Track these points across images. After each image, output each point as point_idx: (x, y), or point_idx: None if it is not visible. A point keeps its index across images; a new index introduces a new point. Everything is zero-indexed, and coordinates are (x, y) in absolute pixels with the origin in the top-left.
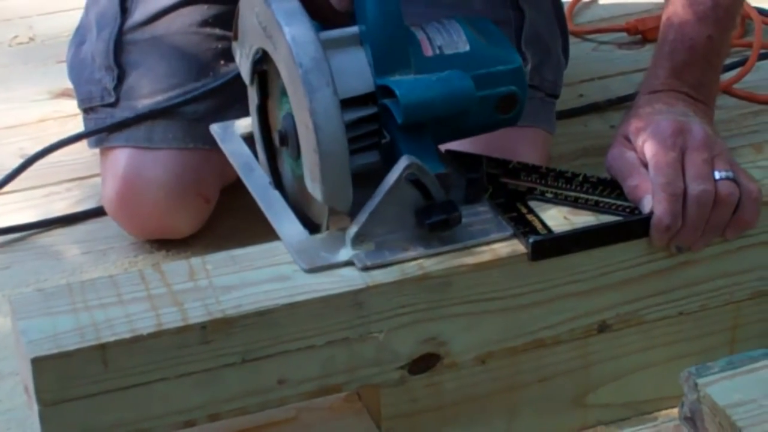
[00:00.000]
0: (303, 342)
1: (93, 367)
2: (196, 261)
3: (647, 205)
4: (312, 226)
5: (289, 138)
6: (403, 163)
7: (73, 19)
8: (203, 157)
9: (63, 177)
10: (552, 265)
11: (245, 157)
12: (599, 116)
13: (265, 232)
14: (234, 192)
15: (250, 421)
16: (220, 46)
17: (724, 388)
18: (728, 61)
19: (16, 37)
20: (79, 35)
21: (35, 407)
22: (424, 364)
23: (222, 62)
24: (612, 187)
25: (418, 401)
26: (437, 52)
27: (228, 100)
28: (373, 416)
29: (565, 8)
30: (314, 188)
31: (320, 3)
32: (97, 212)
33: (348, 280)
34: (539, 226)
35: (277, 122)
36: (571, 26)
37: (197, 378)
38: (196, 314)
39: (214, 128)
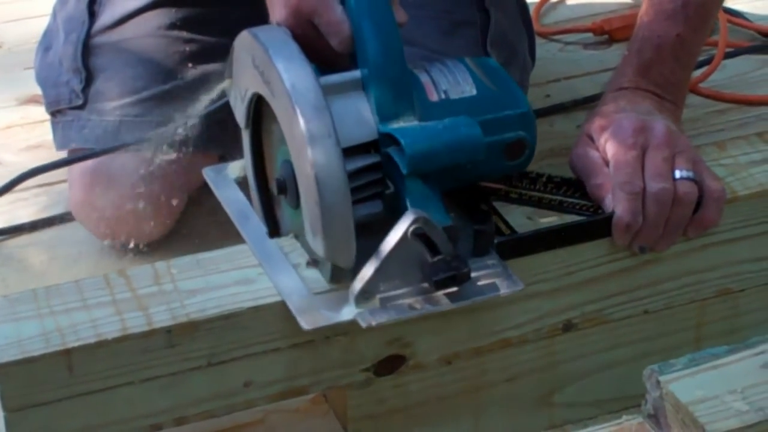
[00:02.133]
0: (268, 345)
1: (58, 373)
2: (161, 265)
3: (609, 204)
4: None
5: (288, 187)
6: (409, 217)
7: (41, 25)
8: (171, 159)
9: (30, 183)
10: (516, 266)
11: (240, 204)
12: (565, 116)
13: (232, 235)
14: (201, 195)
15: (216, 424)
16: (187, 48)
17: (687, 384)
18: None
19: None
20: (47, 40)
21: (1, 413)
22: (389, 365)
23: (190, 65)
24: (576, 187)
25: (385, 402)
26: (442, 96)
27: (196, 101)
28: (340, 418)
29: (532, 9)
30: (315, 243)
31: (319, 45)
32: (65, 218)
33: (311, 282)
34: (503, 227)
35: (275, 168)
36: (537, 27)
37: (163, 382)
38: (161, 318)
39: (207, 172)
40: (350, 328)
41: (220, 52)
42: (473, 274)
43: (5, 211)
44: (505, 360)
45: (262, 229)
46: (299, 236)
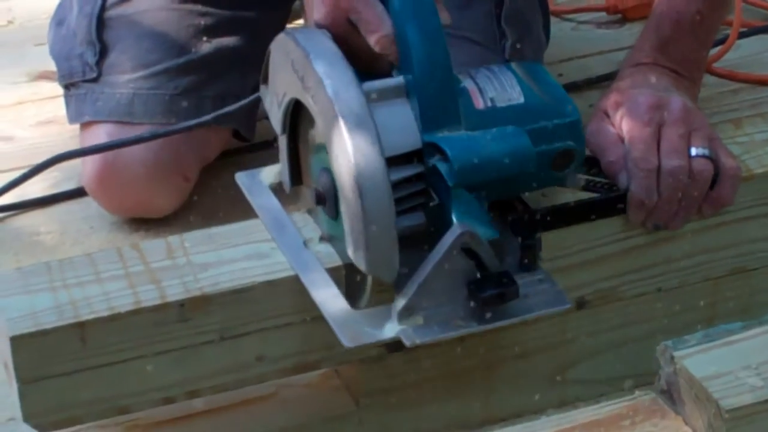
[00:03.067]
0: (281, 319)
1: (71, 345)
2: (174, 239)
3: (624, 181)
4: (351, 290)
5: (327, 197)
6: (455, 231)
7: (52, 2)
8: (184, 134)
9: (42, 159)
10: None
11: (275, 212)
12: (578, 95)
13: (244, 211)
14: (213, 171)
15: (228, 397)
16: (201, 22)
17: (701, 360)
18: None
19: None
20: (60, 13)
21: (14, 384)
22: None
23: (204, 38)
24: (591, 163)
25: (396, 378)
26: (489, 104)
27: (209, 75)
28: (351, 393)
29: None
30: (357, 257)
31: (357, 44)
32: (77, 193)
33: (325, 257)
34: (517, 204)
35: (312, 176)
36: (551, 5)
37: (175, 355)
38: (174, 292)
39: (240, 177)
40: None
41: (234, 26)
42: (521, 290)
43: (17, 186)
44: (517, 337)
45: (299, 239)
46: (334, 241)
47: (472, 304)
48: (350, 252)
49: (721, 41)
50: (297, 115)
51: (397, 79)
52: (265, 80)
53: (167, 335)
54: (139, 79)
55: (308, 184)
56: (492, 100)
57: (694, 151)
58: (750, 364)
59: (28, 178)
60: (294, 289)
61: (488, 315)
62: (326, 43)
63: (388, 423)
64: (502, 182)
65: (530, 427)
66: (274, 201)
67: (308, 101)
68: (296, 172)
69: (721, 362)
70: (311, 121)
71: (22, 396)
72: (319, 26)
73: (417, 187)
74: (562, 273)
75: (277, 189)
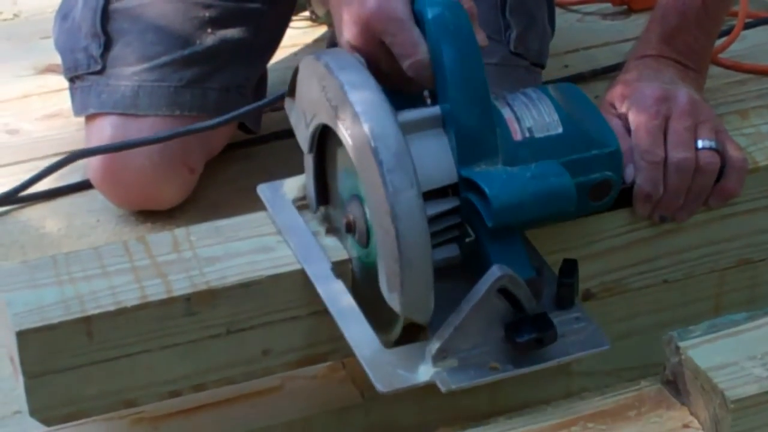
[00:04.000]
0: (287, 313)
1: (78, 339)
2: (180, 232)
3: (630, 173)
4: (377, 316)
5: (357, 225)
6: (494, 274)
7: None
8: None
9: (47, 152)
10: (536, 235)
11: (301, 234)
12: (584, 87)
13: (250, 204)
14: (219, 164)
15: (235, 390)
16: (206, 14)
17: (706, 351)
18: None
19: (0, 13)
20: (65, 6)
21: (21, 379)
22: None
23: (208, 30)
24: None
25: None
26: (527, 135)
27: (214, 67)
28: (358, 385)
29: None
30: (392, 298)
31: (389, 66)
32: (82, 186)
33: (332, 251)
34: None
35: (340, 198)
36: None
37: (182, 349)
38: (181, 286)
39: (262, 189)
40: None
41: (239, 18)
42: (558, 331)
43: (22, 179)
44: None
45: (327, 264)
46: (362, 266)
47: (508, 345)
48: (384, 292)
49: (727, 32)
50: (324, 134)
51: (434, 109)
52: (292, 94)
53: (173, 329)
54: (144, 71)
55: (335, 203)
56: (530, 130)
57: (700, 144)
58: (755, 355)
59: (43, 177)
60: (300, 282)
61: (525, 359)
62: (361, 74)
63: (394, 415)
64: (540, 218)
65: (536, 417)
66: (299, 220)
67: (342, 132)
68: (323, 192)
69: (726, 353)
70: (340, 143)
71: (28, 390)
72: (350, 47)
73: (452, 221)
74: None
75: (299, 202)
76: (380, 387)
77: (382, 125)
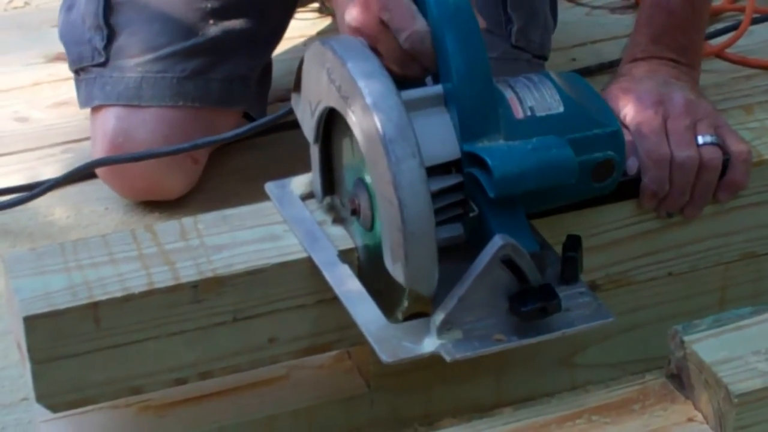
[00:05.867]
0: (293, 301)
1: (85, 326)
2: (187, 221)
3: (632, 166)
4: (385, 302)
5: (362, 208)
6: (496, 243)
7: None
8: (192, 116)
9: (56, 140)
10: (541, 226)
11: (307, 224)
12: (591, 80)
13: (256, 193)
14: (226, 155)
15: (241, 379)
16: (209, 5)
17: (711, 345)
18: (721, 25)
19: (11, 1)
20: (69, 0)
21: (28, 365)
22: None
23: (211, 21)
24: None
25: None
26: (528, 113)
27: (217, 58)
28: (363, 375)
29: None
30: (396, 270)
31: (391, 48)
32: (91, 174)
33: (338, 239)
34: None
35: (345, 186)
36: None
37: (189, 336)
38: (188, 273)
39: (270, 187)
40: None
41: (241, 8)
42: (563, 304)
43: (31, 167)
44: None
45: (332, 251)
46: (368, 251)
47: (512, 317)
48: (388, 264)
49: (734, 27)
50: (329, 124)
51: (436, 88)
52: (297, 88)
53: (180, 316)
54: (147, 62)
55: (340, 193)
56: (531, 109)
57: (700, 140)
58: (760, 349)
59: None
60: (306, 271)
61: (529, 329)
62: (364, 51)
63: (400, 405)
64: (543, 194)
65: (541, 410)
66: (305, 212)
67: (345, 110)
68: (329, 182)
69: (731, 347)
70: (345, 131)
71: (36, 376)
72: (351, 29)
73: (455, 197)
74: None
75: (307, 199)
76: (384, 357)
77: (385, 98)
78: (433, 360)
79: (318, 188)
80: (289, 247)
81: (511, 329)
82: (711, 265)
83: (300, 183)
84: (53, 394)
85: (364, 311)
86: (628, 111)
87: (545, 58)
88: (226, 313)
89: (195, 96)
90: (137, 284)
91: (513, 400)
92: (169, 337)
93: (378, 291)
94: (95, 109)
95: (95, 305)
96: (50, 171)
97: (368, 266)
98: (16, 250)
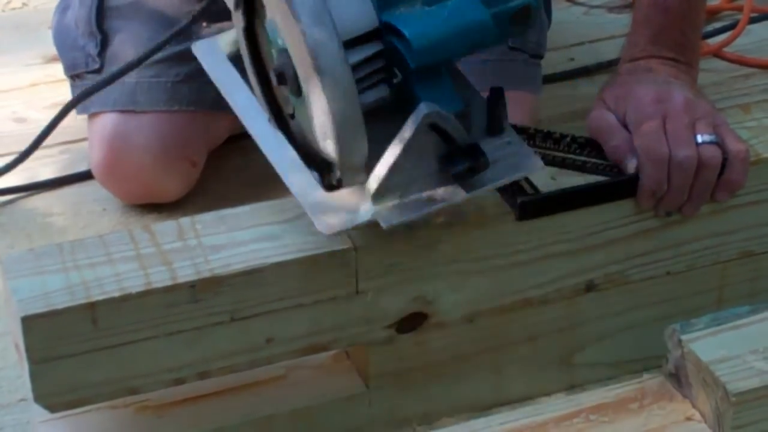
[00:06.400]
0: (291, 301)
1: (82, 326)
2: (185, 221)
3: (630, 165)
4: (320, 165)
5: (288, 76)
6: (421, 111)
7: None
8: (188, 119)
9: (54, 141)
10: (539, 225)
11: (240, 89)
12: (589, 80)
13: (254, 196)
14: (223, 156)
15: (239, 379)
16: (202, 8)
17: (709, 344)
18: (719, 24)
19: (9, 2)
20: (64, 2)
21: (25, 365)
22: (411, 323)
23: (204, 24)
24: (599, 148)
25: (406, 360)
26: None
27: None
28: (362, 374)
29: None
30: (326, 146)
31: None
32: (89, 175)
33: (336, 239)
34: (526, 186)
35: (270, 57)
36: None
37: (186, 336)
38: (185, 273)
39: (198, 45)
40: (373, 285)
41: None
42: (491, 156)
43: (29, 167)
44: (526, 319)
45: (265, 119)
46: (300, 120)
47: (443, 176)
48: (320, 142)
49: (732, 26)
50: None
51: None
52: None
53: (178, 316)
54: (141, 67)
55: (268, 62)
56: None
57: (700, 139)
58: (758, 348)
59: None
60: (305, 270)
61: (460, 189)
62: None
63: (398, 405)
64: (462, 53)
65: (539, 409)
66: (236, 76)
67: None
68: (256, 52)
69: (728, 346)
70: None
71: (33, 376)
72: None
73: (377, 65)
74: (570, 256)
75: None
76: (323, 230)
77: None
78: (432, 360)
79: (245, 54)
80: (286, 247)
81: (443, 189)
82: (709, 264)
83: (227, 41)
84: (51, 395)
85: (299, 180)
86: (628, 110)
87: (541, 57)
88: (224, 313)
89: (190, 100)
90: (135, 284)
91: (511, 399)
92: (167, 337)
93: (313, 159)
94: (92, 116)
95: (93, 305)
96: (49, 171)
97: (304, 132)
98: (14, 250)
